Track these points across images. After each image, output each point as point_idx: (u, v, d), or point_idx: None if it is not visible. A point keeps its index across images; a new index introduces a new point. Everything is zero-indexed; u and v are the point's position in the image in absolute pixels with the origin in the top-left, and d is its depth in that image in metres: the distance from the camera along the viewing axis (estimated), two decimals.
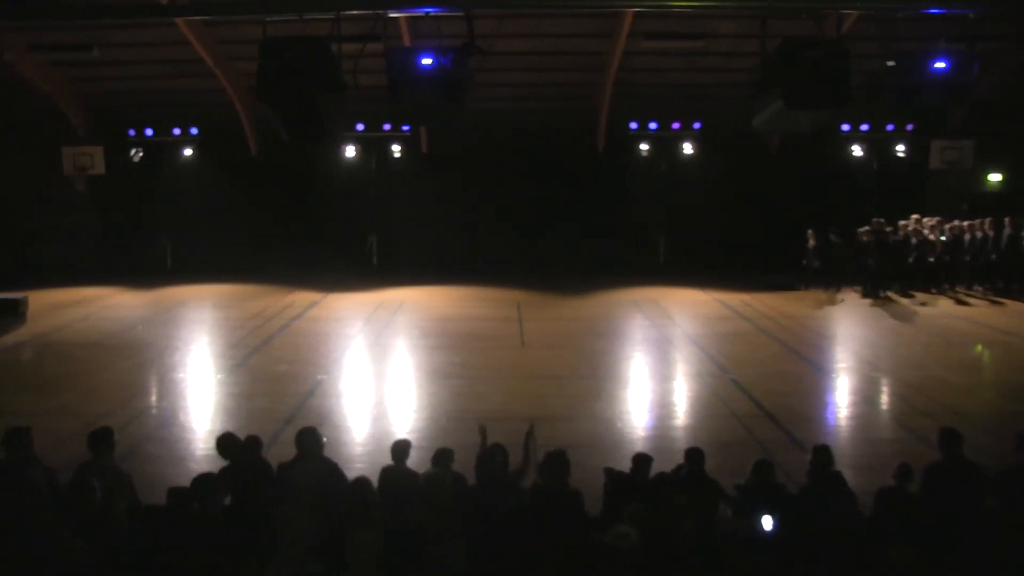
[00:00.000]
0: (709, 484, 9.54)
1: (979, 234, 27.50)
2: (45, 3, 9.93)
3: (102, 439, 9.14)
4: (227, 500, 8.73)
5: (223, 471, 9.28)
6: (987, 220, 27.47)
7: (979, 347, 20.72)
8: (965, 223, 28.00)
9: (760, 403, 15.27)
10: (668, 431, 14.30)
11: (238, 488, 9.09)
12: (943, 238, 27.56)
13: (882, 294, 26.49)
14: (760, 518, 7.75)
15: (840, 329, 22.51)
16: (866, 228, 27.18)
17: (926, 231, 27.62)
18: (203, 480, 8.18)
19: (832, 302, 25.91)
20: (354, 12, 10.05)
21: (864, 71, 10.86)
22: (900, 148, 31.03)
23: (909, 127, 30.70)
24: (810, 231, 27.70)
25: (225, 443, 9.35)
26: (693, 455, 9.54)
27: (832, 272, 27.42)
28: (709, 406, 15.46)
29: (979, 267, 27.83)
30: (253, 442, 9.43)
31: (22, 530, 6.96)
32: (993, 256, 27.18)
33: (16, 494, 7.19)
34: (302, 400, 15.68)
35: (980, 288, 27.50)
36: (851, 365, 18.64)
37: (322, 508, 8.09)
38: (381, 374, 18.19)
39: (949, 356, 19.15)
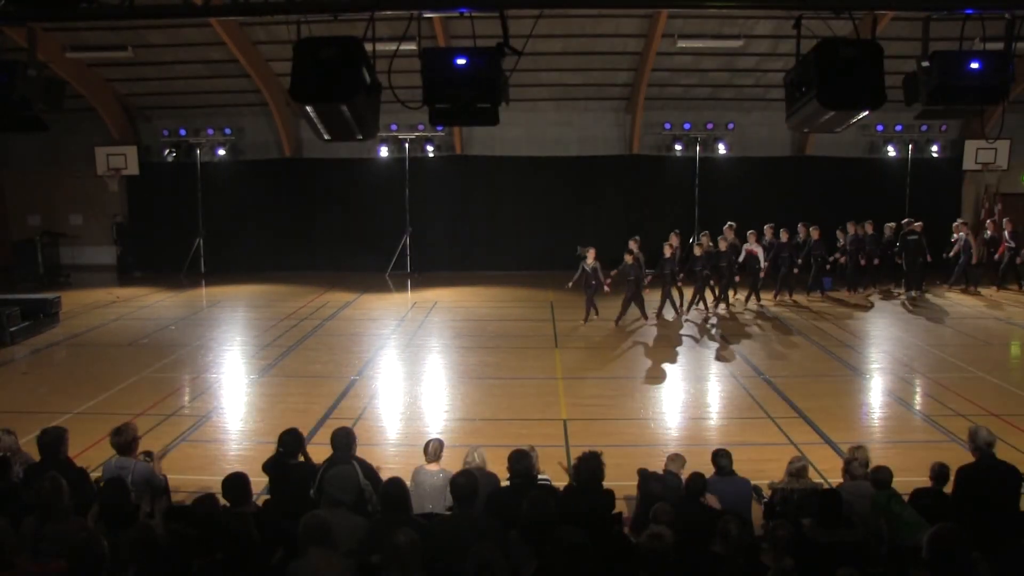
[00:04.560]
0: (741, 484, 9.54)
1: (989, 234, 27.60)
2: (79, 3, 9.94)
3: (118, 436, 9.21)
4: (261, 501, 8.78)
5: (265, 466, 9.35)
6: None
7: (1015, 347, 20.61)
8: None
9: (795, 404, 15.21)
10: (702, 432, 14.28)
11: (276, 487, 9.15)
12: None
13: (916, 293, 26.34)
14: None
15: (874, 329, 22.34)
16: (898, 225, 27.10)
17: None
18: (234, 480, 8.20)
19: (865, 302, 25.75)
20: (389, 12, 10.04)
21: (900, 71, 10.78)
22: (935, 148, 30.94)
23: (943, 127, 30.65)
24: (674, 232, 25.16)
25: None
26: (717, 456, 9.60)
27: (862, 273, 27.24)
28: (744, 407, 15.40)
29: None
30: (294, 437, 9.43)
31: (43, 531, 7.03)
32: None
33: (40, 494, 7.21)
34: (336, 400, 15.73)
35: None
36: (886, 366, 18.48)
37: (357, 508, 8.11)
38: (414, 374, 18.20)
39: (984, 357, 18.99)
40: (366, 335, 21.81)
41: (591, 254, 22.10)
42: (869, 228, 26.75)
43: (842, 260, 26.78)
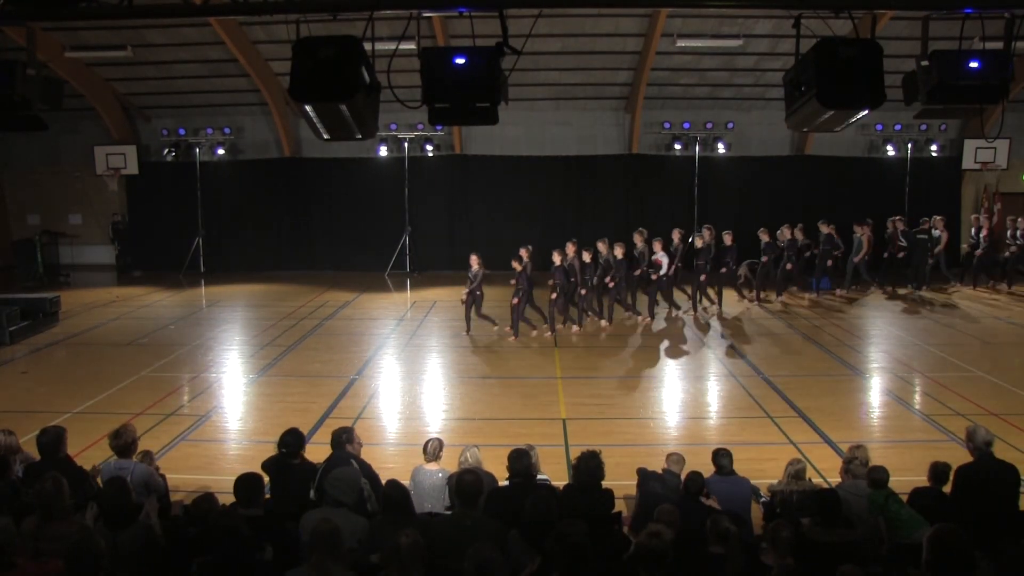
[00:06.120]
0: (741, 484, 9.54)
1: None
2: (78, 2, 9.93)
3: (117, 439, 9.22)
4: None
5: (265, 466, 9.33)
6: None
7: None
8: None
9: (794, 403, 15.21)
10: (702, 431, 14.27)
11: (276, 487, 9.13)
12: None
13: (915, 292, 26.37)
14: None
15: (874, 329, 22.32)
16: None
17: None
18: (246, 480, 8.19)
19: (863, 300, 25.77)
20: (388, 12, 10.03)
21: (899, 71, 10.78)
22: (934, 148, 30.98)
23: (943, 127, 30.67)
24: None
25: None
26: (717, 455, 9.61)
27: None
28: (743, 406, 15.39)
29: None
30: (296, 437, 9.41)
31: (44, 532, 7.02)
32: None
33: (41, 494, 7.19)
34: (335, 400, 15.72)
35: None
36: (885, 365, 18.48)
37: (356, 508, 8.09)
38: (414, 374, 18.15)
39: (984, 356, 18.98)
40: (366, 334, 21.80)
41: (475, 260, 21.24)
42: (787, 232, 26.08)
43: (789, 265, 26.25)
